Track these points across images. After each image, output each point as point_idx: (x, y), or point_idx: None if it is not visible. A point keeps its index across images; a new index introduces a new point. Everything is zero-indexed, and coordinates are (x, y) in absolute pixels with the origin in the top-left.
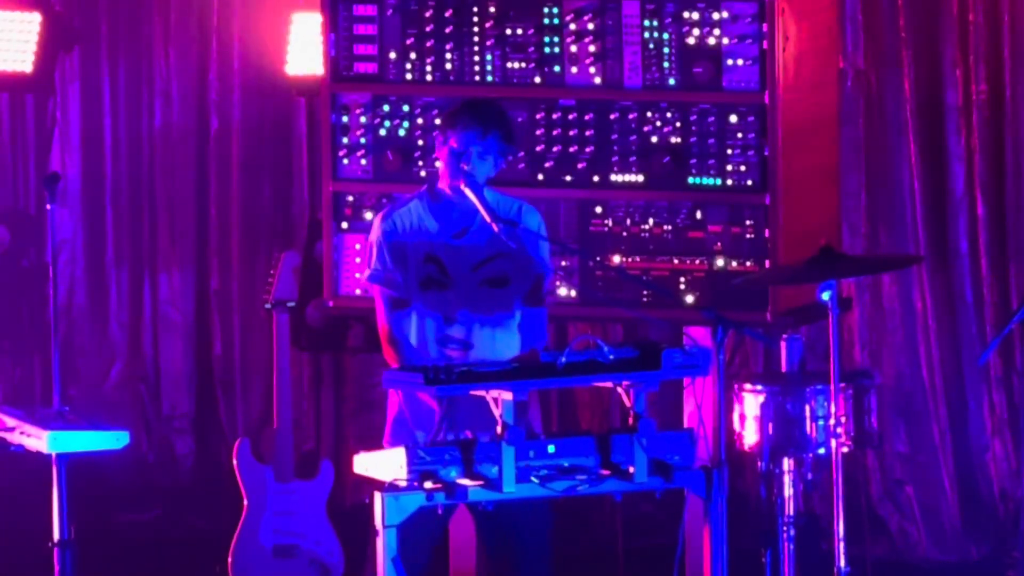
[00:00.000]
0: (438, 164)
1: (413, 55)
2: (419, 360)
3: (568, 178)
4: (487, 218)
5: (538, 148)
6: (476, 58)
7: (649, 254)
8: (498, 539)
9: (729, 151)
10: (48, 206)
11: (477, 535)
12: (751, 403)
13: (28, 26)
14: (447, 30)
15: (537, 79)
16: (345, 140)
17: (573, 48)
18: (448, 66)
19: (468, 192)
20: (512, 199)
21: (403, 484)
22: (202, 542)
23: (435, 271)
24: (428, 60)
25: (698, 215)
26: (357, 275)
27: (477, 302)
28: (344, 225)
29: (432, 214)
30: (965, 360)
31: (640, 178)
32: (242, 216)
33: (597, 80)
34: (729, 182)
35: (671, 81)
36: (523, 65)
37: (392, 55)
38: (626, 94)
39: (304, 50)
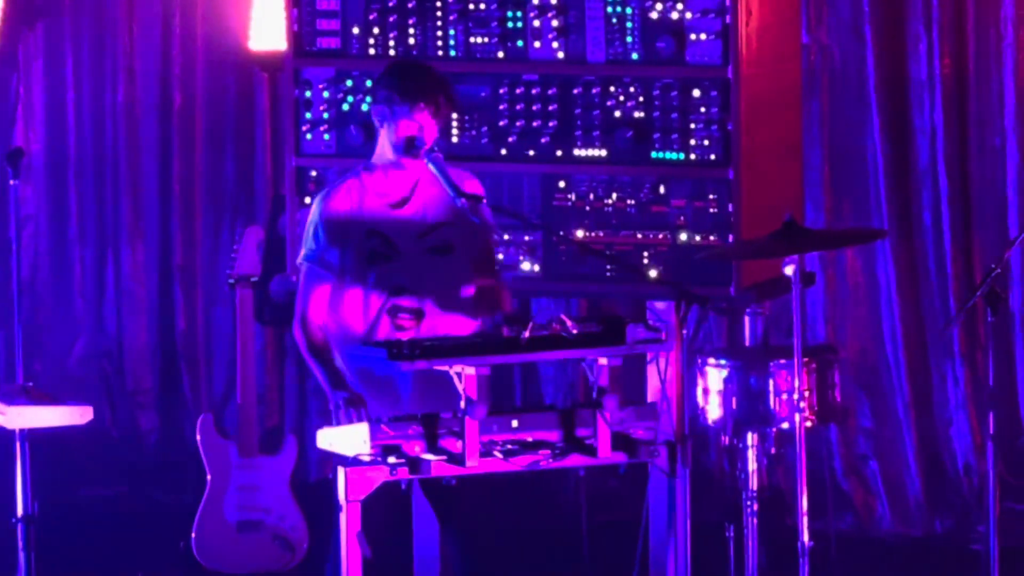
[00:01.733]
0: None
1: (376, 30)
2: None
3: (531, 153)
4: (450, 193)
5: (501, 123)
6: (439, 32)
7: (612, 228)
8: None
9: (692, 125)
10: (11, 182)
11: (434, 511)
12: (715, 378)
13: None
14: (410, 5)
15: (500, 54)
16: (308, 115)
17: (536, 23)
18: (411, 41)
19: (432, 168)
20: (452, 166)
21: (366, 459)
22: (166, 517)
23: (379, 244)
24: (391, 35)
25: (661, 189)
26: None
27: (425, 271)
28: (307, 200)
29: (370, 188)
30: (929, 334)
31: (603, 153)
32: (205, 191)
33: (560, 55)
34: (692, 156)
35: (634, 55)
36: (486, 40)
37: (355, 30)
38: (589, 68)
39: (267, 25)
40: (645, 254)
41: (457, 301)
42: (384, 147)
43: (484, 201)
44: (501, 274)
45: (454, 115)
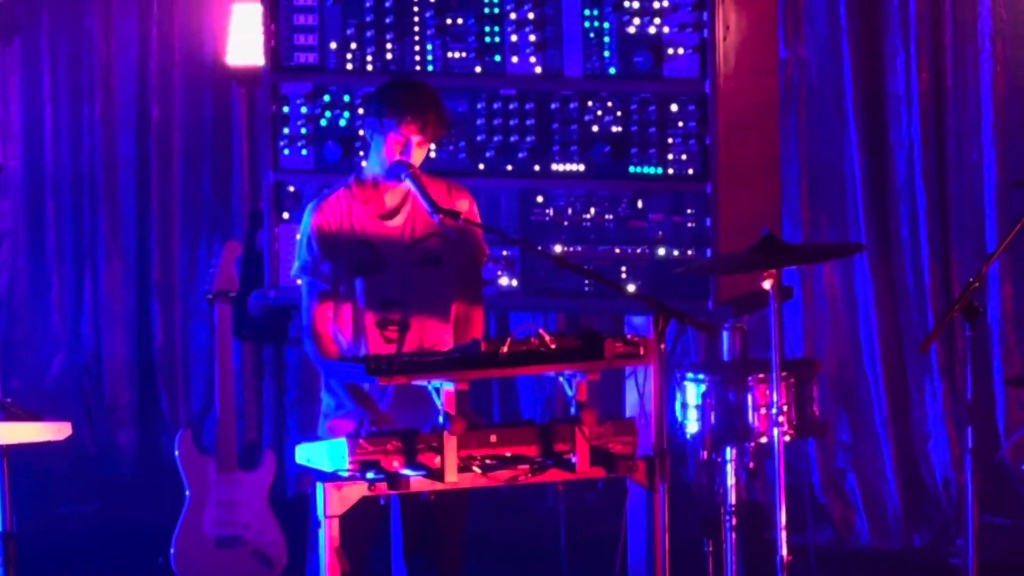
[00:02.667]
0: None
1: (353, 45)
2: (341, 353)
3: (509, 167)
4: (428, 208)
5: (479, 138)
6: (416, 47)
7: (590, 243)
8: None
9: (670, 140)
10: None
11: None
12: (693, 392)
13: None
14: (387, 20)
15: (478, 68)
16: (286, 130)
17: (513, 38)
18: (388, 56)
19: (409, 184)
20: (439, 180)
21: (345, 474)
22: (145, 533)
23: (368, 255)
24: (368, 50)
25: (639, 204)
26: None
27: (412, 282)
28: (285, 215)
29: (361, 199)
30: (907, 348)
31: (581, 167)
32: (183, 207)
33: (537, 69)
34: (670, 171)
35: (611, 70)
36: (463, 54)
37: (332, 45)
38: (567, 83)
39: (244, 40)
40: (623, 269)
41: (443, 313)
42: (373, 160)
43: (461, 218)
44: (482, 293)
45: (444, 135)
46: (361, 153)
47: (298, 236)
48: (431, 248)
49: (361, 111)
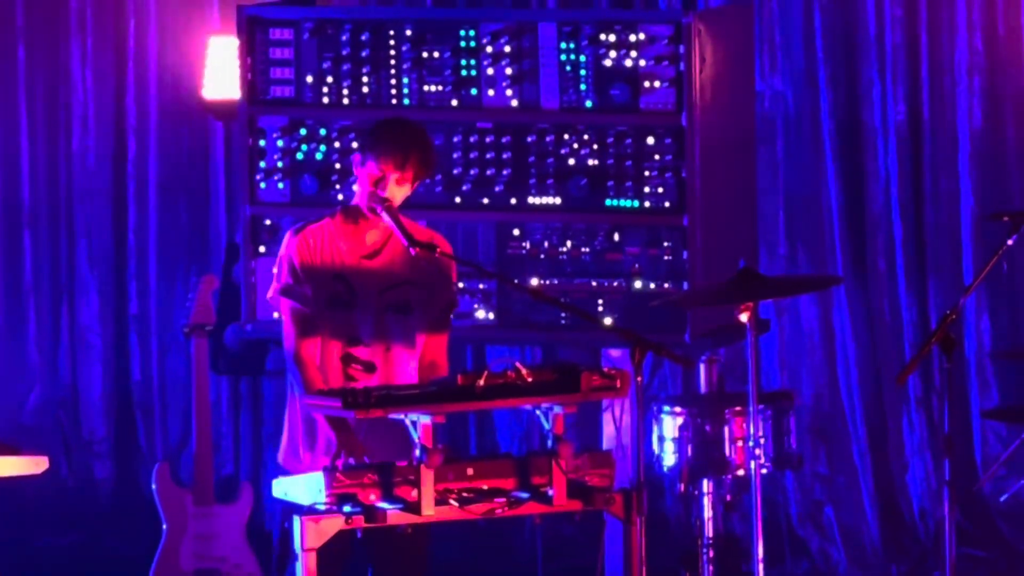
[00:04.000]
0: (356, 188)
1: (330, 78)
2: (324, 383)
3: (485, 201)
4: (404, 241)
5: (455, 171)
6: (393, 81)
7: (567, 276)
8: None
9: (646, 173)
10: None
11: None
12: (669, 425)
13: None
14: (363, 53)
15: (454, 102)
16: (262, 164)
17: (490, 71)
18: (365, 89)
19: (385, 217)
20: (423, 228)
21: (322, 507)
22: (122, 566)
23: (343, 290)
24: (345, 83)
25: (616, 237)
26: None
27: (381, 325)
28: (262, 249)
29: (344, 235)
30: (885, 380)
31: (557, 200)
32: (160, 240)
33: (514, 103)
34: (647, 204)
35: (588, 103)
36: (440, 88)
37: (309, 78)
38: (543, 116)
39: (221, 74)
40: (600, 302)
41: (409, 360)
42: (360, 195)
43: (439, 251)
44: (448, 342)
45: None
46: (338, 187)
47: (279, 256)
48: (404, 296)
49: (338, 144)
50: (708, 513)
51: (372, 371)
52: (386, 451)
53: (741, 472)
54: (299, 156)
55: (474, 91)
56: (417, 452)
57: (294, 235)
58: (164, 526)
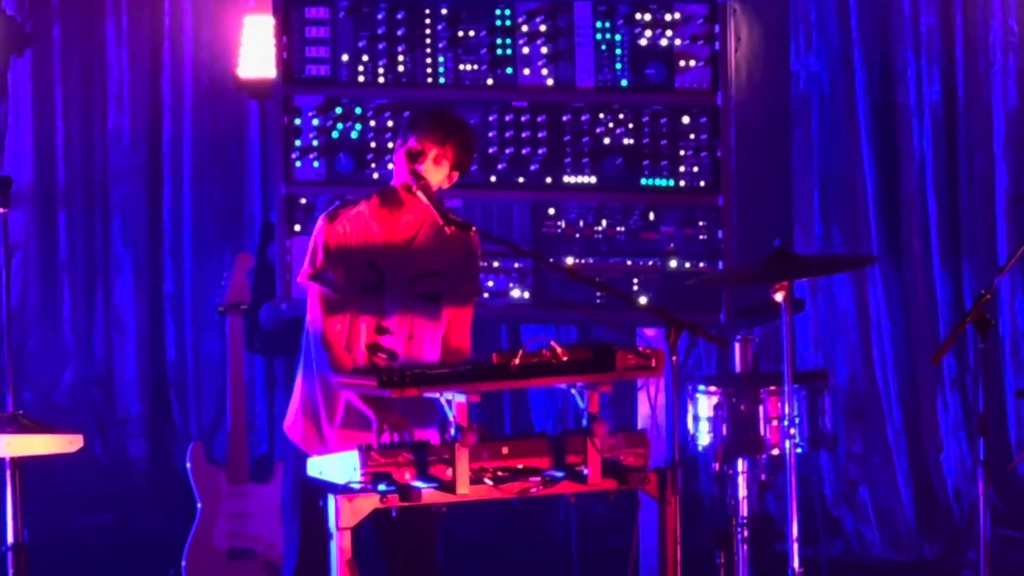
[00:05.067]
0: (391, 167)
1: (365, 57)
2: (351, 364)
3: (521, 180)
4: (439, 219)
5: (491, 150)
6: (428, 60)
7: (602, 255)
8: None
9: (682, 152)
10: (1, 210)
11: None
12: (704, 404)
13: None
14: (399, 32)
15: (489, 81)
16: (298, 143)
17: (525, 50)
18: (400, 68)
19: (420, 194)
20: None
21: (357, 487)
22: (156, 545)
23: (374, 278)
24: (380, 62)
25: (651, 216)
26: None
27: (409, 313)
28: (297, 228)
29: (379, 220)
30: (919, 360)
31: (593, 180)
32: (195, 219)
33: (549, 82)
34: (682, 183)
35: (623, 82)
36: (475, 67)
37: (344, 57)
38: (578, 95)
39: (256, 53)
40: (635, 281)
41: (433, 348)
42: (396, 175)
43: (474, 229)
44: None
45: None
46: (373, 166)
47: (312, 239)
48: (434, 286)
49: (373, 123)
50: (743, 493)
51: (394, 359)
52: (420, 431)
53: (776, 452)
54: (334, 135)
55: (510, 70)
56: (452, 431)
57: (328, 220)
58: (198, 505)
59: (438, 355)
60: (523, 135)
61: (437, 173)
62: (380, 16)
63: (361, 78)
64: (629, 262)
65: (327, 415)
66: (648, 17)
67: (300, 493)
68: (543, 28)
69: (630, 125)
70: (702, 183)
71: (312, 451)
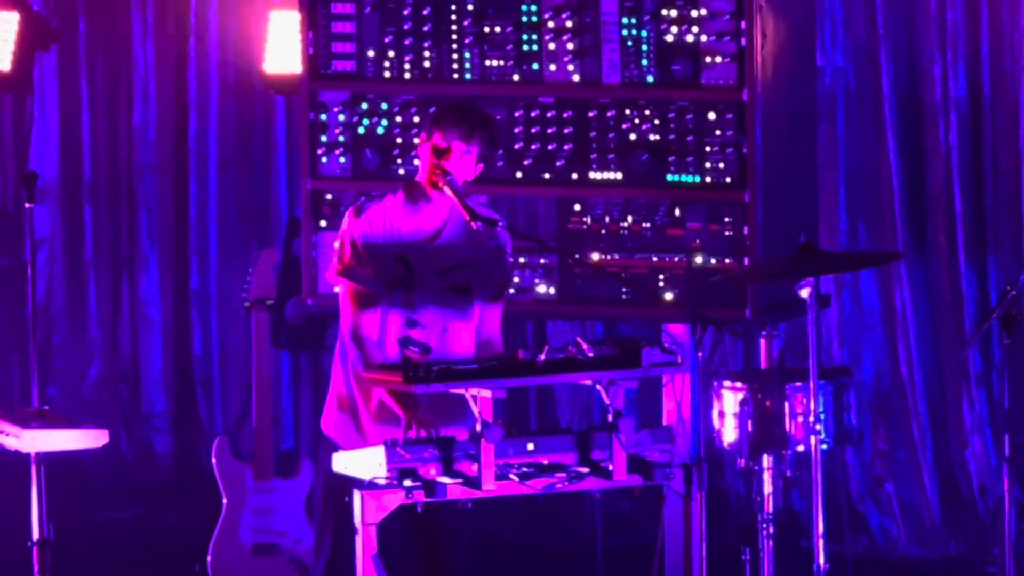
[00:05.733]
0: (417, 162)
1: (391, 53)
2: (384, 359)
3: (547, 176)
4: (466, 215)
5: (516, 146)
6: (454, 55)
7: (628, 251)
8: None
9: (708, 148)
10: (27, 205)
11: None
12: (730, 400)
13: (6, 25)
14: (425, 28)
15: (516, 76)
16: (323, 138)
17: (551, 45)
18: (426, 64)
19: (448, 189)
20: (484, 210)
21: (382, 482)
22: (182, 540)
23: (403, 272)
24: (406, 58)
25: (677, 212)
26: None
27: (440, 306)
28: (323, 223)
29: (405, 214)
30: (944, 356)
31: (619, 175)
32: (220, 214)
33: (575, 77)
34: (708, 179)
35: (649, 78)
36: (501, 62)
37: (371, 53)
38: (605, 91)
39: (282, 48)
40: (660, 277)
41: (466, 340)
42: (422, 171)
43: (501, 224)
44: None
45: (489, 155)
46: (399, 161)
47: (337, 240)
48: (463, 277)
49: (399, 119)
50: (768, 489)
51: (428, 352)
52: (447, 426)
53: (801, 448)
54: (360, 130)
55: (536, 66)
56: (478, 427)
57: (356, 215)
58: (224, 500)
59: (472, 348)
60: (549, 131)
61: (464, 167)
62: (406, 11)
63: (387, 73)
64: (655, 258)
65: (365, 409)
66: (674, 13)
67: (329, 489)
68: (569, 24)
69: (656, 121)
70: (728, 179)
71: (351, 447)
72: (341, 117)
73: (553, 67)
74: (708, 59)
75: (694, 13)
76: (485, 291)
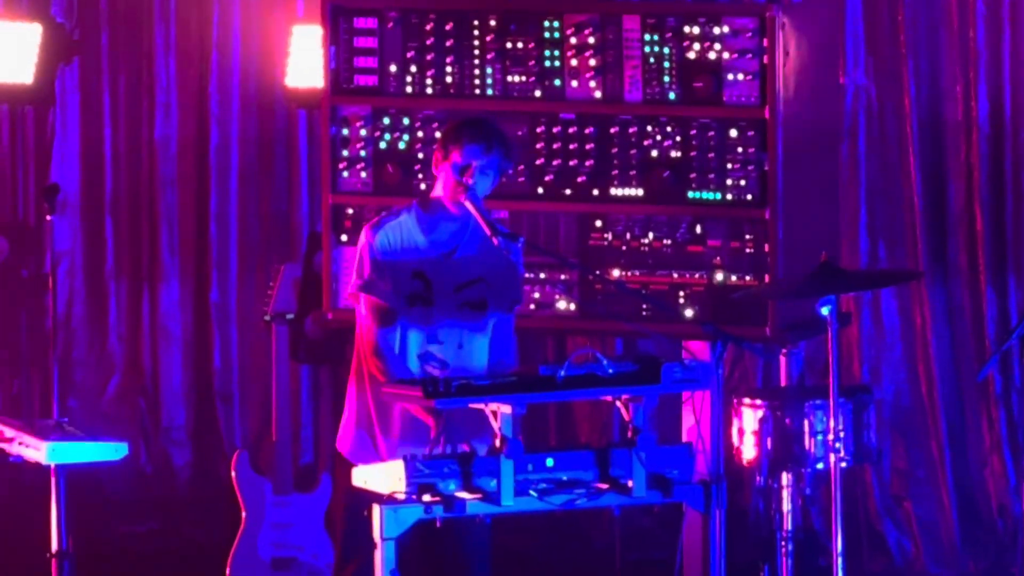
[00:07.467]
0: (439, 179)
1: (413, 68)
2: (405, 373)
3: (568, 192)
4: (487, 231)
5: (538, 162)
6: (476, 71)
7: (648, 268)
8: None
9: (729, 165)
10: (48, 217)
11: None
12: (750, 418)
13: (29, 37)
14: (448, 43)
15: (537, 93)
16: (345, 153)
17: (573, 62)
18: (448, 79)
19: (469, 205)
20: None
21: (402, 497)
22: (200, 554)
23: (421, 288)
24: (428, 73)
25: (698, 229)
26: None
27: (457, 321)
28: (343, 238)
29: (422, 229)
30: (964, 376)
31: (640, 192)
32: (241, 228)
33: (597, 94)
34: (729, 196)
35: (671, 95)
36: (523, 79)
37: (392, 68)
38: (626, 108)
39: (304, 62)
40: (681, 294)
41: (482, 355)
42: (437, 190)
43: (521, 240)
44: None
45: (506, 168)
46: (420, 176)
47: (359, 251)
48: (479, 293)
49: (421, 134)
50: (787, 506)
51: (445, 367)
52: (474, 438)
53: (820, 466)
54: (382, 145)
55: (558, 82)
56: (497, 442)
57: (373, 230)
58: (243, 514)
59: (486, 364)
60: (571, 147)
61: (484, 182)
62: (429, 27)
63: (409, 89)
64: (675, 275)
65: (381, 427)
66: (696, 30)
67: (349, 504)
68: (591, 40)
69: (678, 138)
70: (749, 196)
71: (364, 463)
72: (363, 132)
73: (575, 83)
74: (730, 76)
75: (716, 31)
76: (499, 307)
